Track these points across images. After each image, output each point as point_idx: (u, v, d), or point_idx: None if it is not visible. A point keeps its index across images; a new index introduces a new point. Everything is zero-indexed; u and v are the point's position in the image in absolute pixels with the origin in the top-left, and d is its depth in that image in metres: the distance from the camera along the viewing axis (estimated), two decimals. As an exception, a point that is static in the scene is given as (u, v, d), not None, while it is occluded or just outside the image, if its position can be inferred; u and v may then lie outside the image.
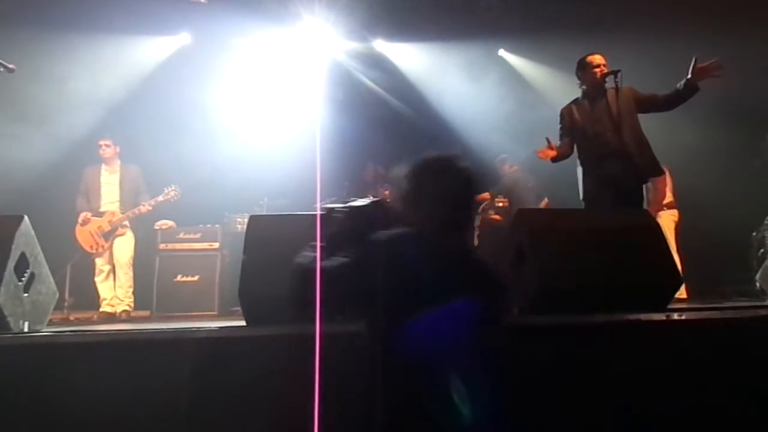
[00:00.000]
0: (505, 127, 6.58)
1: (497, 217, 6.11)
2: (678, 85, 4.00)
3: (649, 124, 4.42)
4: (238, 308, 2.51)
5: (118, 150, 5.82)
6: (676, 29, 5.45)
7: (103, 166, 5.77)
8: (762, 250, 5.44)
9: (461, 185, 1.69)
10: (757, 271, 4.49)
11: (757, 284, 4.68)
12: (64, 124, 5.93)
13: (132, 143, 5.99)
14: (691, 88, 3.95)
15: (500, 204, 6.18)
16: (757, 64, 5.32)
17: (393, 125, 7.30)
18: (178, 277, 5.61)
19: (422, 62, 7.42)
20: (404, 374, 1.73)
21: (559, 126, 4.41)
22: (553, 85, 6.76)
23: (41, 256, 2.92)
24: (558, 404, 2.16)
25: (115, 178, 5.76)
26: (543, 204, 6.24)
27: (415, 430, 1.77)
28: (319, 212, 1.91)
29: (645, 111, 4.23)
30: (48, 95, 5.86)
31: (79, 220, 5.53)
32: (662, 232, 3.02)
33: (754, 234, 5.68)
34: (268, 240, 2.62)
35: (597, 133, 4.18)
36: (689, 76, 3.92)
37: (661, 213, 5.32)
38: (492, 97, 6.81)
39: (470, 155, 6.85)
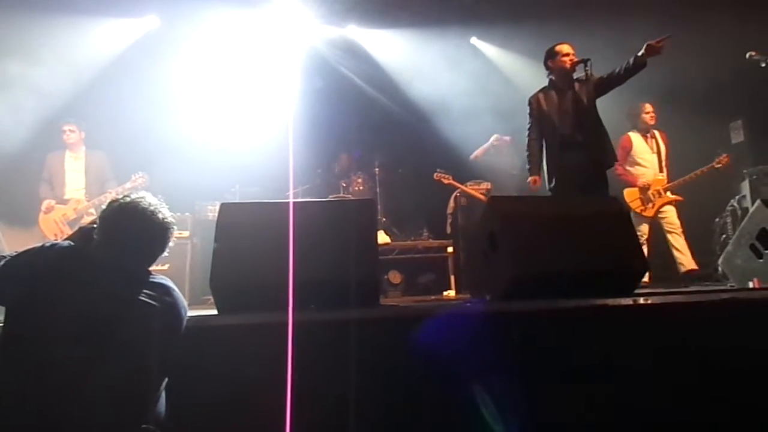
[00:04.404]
0: (478, 114, 6.59)
1: (481, 196, 6.12)
2: (628, 61, 4.12)
3: (612, 113, 4.53)
4: (210, 297, 2.49)
5: (83, 136, 5.67)
6: (647, 18, 5.53)
7: (68, 153, 5.62)
8: (724, 236, 5.62)
9: (139, 221, 1.88)
10: (719, 256, 4.64)
11: (719, 269, 4.83)
12: (25, 108, 5.73)
13: (98, 129, 5.83)
14: (639, 64, 4.09)
15: (472, 191, 6.21)
16: (720, 51, 5.44)
17: (366, 112, 7.27)
18: (148, 266, 5.51)
19: (395, 49, 7.39)
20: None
21: (528, 115, 4.49)
22: (525, 74, 6.81)
23: (3, 244, 2.83)
24: (529, 389, 2.20)
25: (80, 165, 5.62)
26: None
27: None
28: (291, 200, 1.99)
29: (603, 92, 4.34)
30: (8, 79, 5.65)
31: (43, 207, 5.38)
32: (630, 219, 3.07)
33: (716, 220, 5.86)
34: (240, 228, 2.59)
35: (563, 123, 4.28)
36: (641, 52, 4.04)
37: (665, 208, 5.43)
38: (466, 84, 6.82)
39: (443, 143, 6.89)
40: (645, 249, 5.32)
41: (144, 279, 1.85)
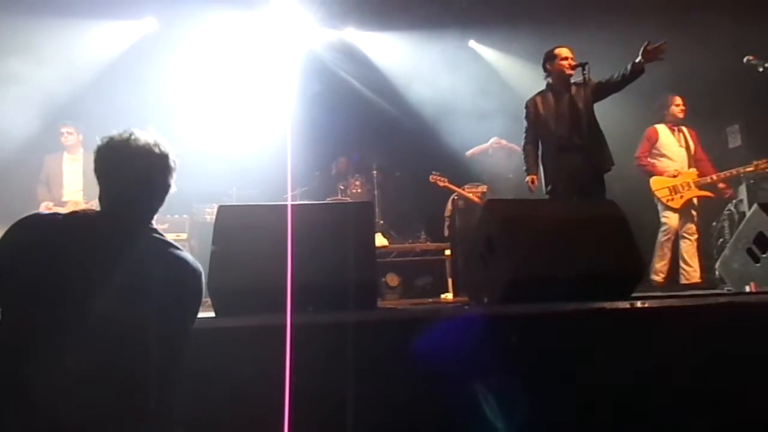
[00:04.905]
0: (477, 118, 6.60)
1: (476, 198, 6.13)
2: (626, 67, 4.13)
3: (613, 116, 4.54)
4: (207, 299, 2.48)
5: (81, 138, 5.67)
6: (645, 21, 5.56)
7: (66, 154, 5.62)
8: (721, 240, 5.62)
9: (137, 163, 1.67)
10: (716, 260, 4.64)
11: (717, 273, 4.83)
12: (23, 110, 5.73)
13: (97, 131, 5.81)
14: (637, 71, 4.09)
15: (470, 194, 6.22)
16: (718, 55, 5.46)
17: (364, 115, 7.28)
18: (145, 269, 5.49)
19: (393, 52, 7.40)
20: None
21: (524, 118, 4.52)
22: (523, 76, 6.82)
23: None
24: (526, 392, 2.20)
25: (79, 167, 5.62)
26: None
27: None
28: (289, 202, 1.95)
29: (601, 97, 4.35)
30: (6, 80, 5.65)
31: (41, 209, 5.37)
32: (627, 222, 3.06)
33: (713, 224, 5.86)
34: (238, 230, 2.59)
35: (559, 126, 4.29)
36: (639, 58, 4.05)
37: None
38: (464, 87, 6.84)
39: (441, 146, 6.90)
40: (670, 243, 5.21)
41: (149, 246, 1.59)
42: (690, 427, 2.34)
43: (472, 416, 2.16)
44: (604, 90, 4.32)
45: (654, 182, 5.32)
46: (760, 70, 4.64)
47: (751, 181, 5.60)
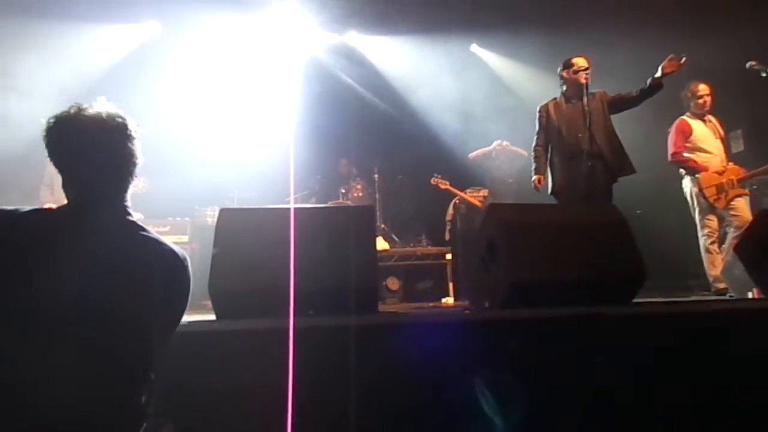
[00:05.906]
0: (478, 121, 6.61)
1: (477, 202, 6.15)
2: (645, 83, 4.18)
3: (622, 125, 4.56)
4: (208, 302, 2.48)
5: (83, 141, 5.68)
6: (646, 25, 5.57)
7: (68, 157, 5.63)
8: (724, 246, 5.61)
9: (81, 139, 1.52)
10: (718, 266, 4.64)
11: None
12: (26, 114, 5.75)
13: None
14: (656, 86, 4.14)
15: (472, 198, 6.22)
16: (720, 60, 5.46)
17: (366, 119, 7.29)
18: (147, 271, 5.49)
19: (395, 56, 7.42)
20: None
21: (536, 122, 4.55)
22: (525, 81, 6.83)
23: None
24: (526, 396, 2.20)
25: (82, 170, 5.63)
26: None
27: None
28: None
29: (617, 110, 4.39)
30: (8, 85, 5.67)
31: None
32: (629, 227, 3.05)
33: (716, 229, 5.84)
34: (239, 233, 2.59)
35: (571, 134, 4.31)
36: (658, 74, 4.09)
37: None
38: (466, 91, 6.85)
39: (442, 150, 6.91)
40: (716, 245, 4.81)
41: (121, 233, 1.49)
42: (690, 430, 2.33)
43: (472, 420, 2.16)
44: (619, 104, 4.37)
45: (704, 179, 4.86)
46: (763, 75, 4.63)
47: (754, 187, 5.59)
